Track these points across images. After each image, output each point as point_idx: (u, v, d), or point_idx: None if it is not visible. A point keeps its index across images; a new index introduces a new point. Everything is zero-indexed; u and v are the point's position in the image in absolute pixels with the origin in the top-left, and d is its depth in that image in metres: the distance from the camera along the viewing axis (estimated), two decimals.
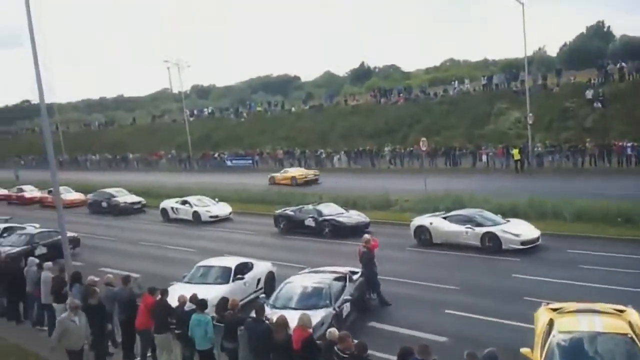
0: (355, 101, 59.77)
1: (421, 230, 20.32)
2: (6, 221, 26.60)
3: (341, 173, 43.05)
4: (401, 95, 55.92)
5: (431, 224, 20.16)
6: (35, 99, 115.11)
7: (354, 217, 23.63)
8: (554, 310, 9.43)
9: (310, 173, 40.76)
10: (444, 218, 20.24)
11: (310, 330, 9.17)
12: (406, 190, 28.77)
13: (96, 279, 12.93)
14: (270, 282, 15.72)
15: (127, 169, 62.30)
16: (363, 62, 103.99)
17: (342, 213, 23.89)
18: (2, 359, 11.79)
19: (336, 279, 13.28)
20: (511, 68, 55.07)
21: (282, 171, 41.79)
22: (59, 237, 17.52)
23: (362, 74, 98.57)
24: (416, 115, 50.57)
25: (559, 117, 41.42)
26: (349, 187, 31.68)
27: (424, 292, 15.19)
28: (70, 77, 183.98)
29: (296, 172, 40.97)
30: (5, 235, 23.10)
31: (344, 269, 14.25)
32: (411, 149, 43.09)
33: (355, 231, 21.72)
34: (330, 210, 24.10)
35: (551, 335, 8.37)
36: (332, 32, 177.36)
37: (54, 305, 13.15)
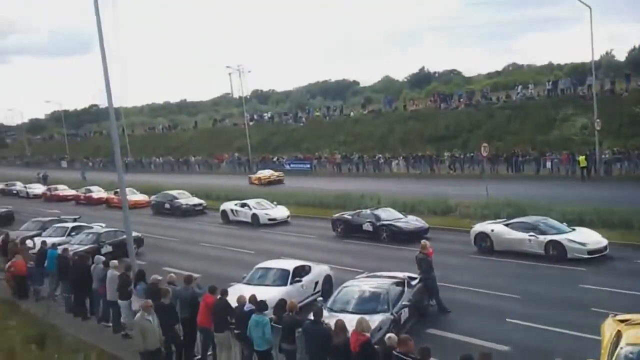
0: (414, 106, 59.24)
1: (482, 237, 19.89)
2: (74, 220, 27.62)
3: (399, 178, 42.74)
4: (462, 100, 55.06)
5: (492, 230, 19.69)
6: (102, 103, 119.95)
7: (412, 222, 23.38)
8: (622, 321, 9.03)
9: (274, 175, 47.49)
10: (506, 225, 19.73)
11: (368, 334, 9.11)
12: (466, 196, 28.23)
13: (159, 278, 13.30)
14: (328, 286, 15.72)
15: (189, 171, 63.77)
16: (423, 67, 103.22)
17: (400, 218, 23.69)
18: (68, 354, 12.19)
19: (394, 284, 13.17)
20: (577, 73, 53.29)
21: (256, 173, 48.67)
22: (124, 236, 18.14)
23: (421, 79, 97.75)
24: (477, 120, 49.67)
25: (628, 123, 39.76)
26: (407, 192, 31.37)
27: (484, 300, 14.86)
28: (135, 82, 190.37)
29: (262, 174, 47.73)
30: (73, 233, 23.98)
31: (403, 274, 14.11)
32: (472, 154, 42.33)
33: (413, 236, 21.47)
34: (388, 215, 23.93)
35: (619, 348, 8.02)
36: (390, 36, 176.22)
37: (119, 302, 13.60)
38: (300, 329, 9.93)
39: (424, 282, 13.96)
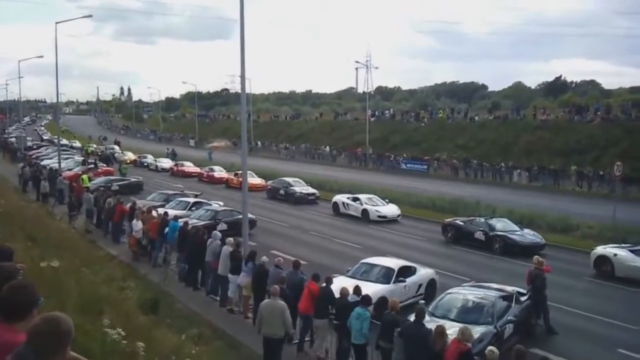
0: (545, 115, 56.30)
1: (602, 261, 18.58)
2: (196, 196, 29.18)
3: (520, 189, 40.89)
4: (599, 113, 51.52)
5: (615, 255, 18.34)
6: (233, 88, 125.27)
7: (528, 236, 22.32)
8: None
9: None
10: (631, 251, 18.30)
11: (469, 345, 8.85)
12: (590, 216, 26.50)
13: (266, 259, 13.74)
14: (431, 290, 15.45)
15: (308, 160, 64.87)
16: (560, 76, 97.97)
17: (516, 230, 22.70)
18: (179, 320, 12.82)
19: (502, 297, 12.67)
20: None
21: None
22: (239, 216, 18.89)
23: (556, 88, 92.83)
24: (613, 136, 46.22)
25: None
26: (526, 204, 29.90)
27: (597, 327, 13.94)
28: (265, 69, 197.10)
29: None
30: (193, 208, 25.32)
31: (511, 288, 13.53)
32: (602, 172, 39.58)
33: (527, 251, 20.44)
34: (503, 225, 23.02)
35: None
36: (526, 42, 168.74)
37: (230, 276, 14.22)
38: (399, 329, 9.83)
39: (533, 299, 13.32)
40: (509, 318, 12.01)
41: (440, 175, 49.13)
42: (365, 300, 10.63)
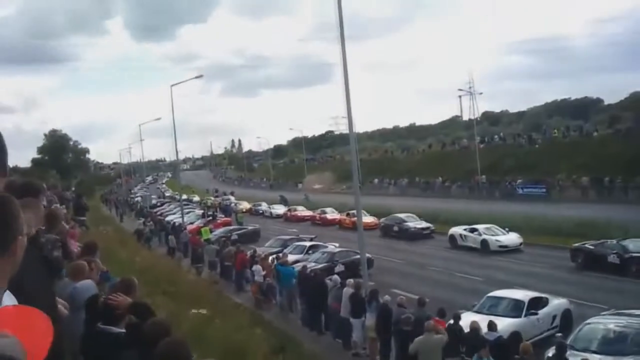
0: None
1: None
2: (311, 240, 29.65)
3: None
4: None
5: None
6: (337, 129, 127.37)
7: None
8: None
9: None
10: None
11: None
12: None
13: (389, 299, 13.59)
14: (567, 321, 14.53)
15: (420, 194, 64.00)
16: None
17: None
18: None
19: None
20: None
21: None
22: (356, 256, 18.92)
23: None
24: None
25: None
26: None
27: None
28: (367, 108, 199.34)
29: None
30: (310, 252, 25.72)
31: None
32: None
33: None
34: (638, 246, 21.36)
35: None
36: (634, 52, 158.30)
37: (352, 320, 14.18)
38: None
39: None
40: None
41: (562, 198, 46.55)
42: (515, 336, 10.06)
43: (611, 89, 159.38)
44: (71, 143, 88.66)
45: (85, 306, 4.66)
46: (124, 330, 4.19)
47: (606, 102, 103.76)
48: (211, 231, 34.30)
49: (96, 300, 4.64)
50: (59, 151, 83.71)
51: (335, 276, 17.07)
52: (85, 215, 17.23)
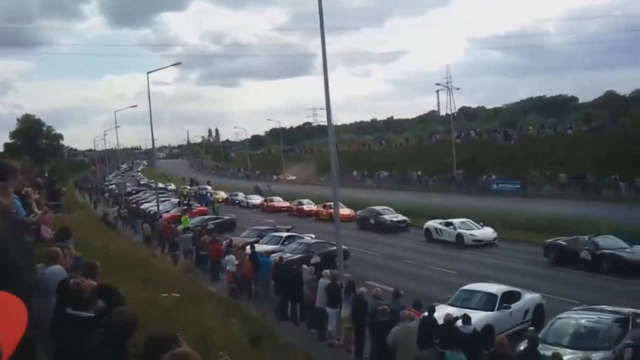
0: None
1: None
2: (288, 230, 29.58)
3: (623, 203, 38.38)
4: None
5: None
6: (315, 121, 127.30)
7: (638, 253, 20.90)
8: None
9: None
10: None
11: None
12: None
13: (364, 290, 13.61)
14: (539, 315, 14.72)
15: (394, 187, 64.19)
16: None
17: (625, 248, 21.36)
18: (283, 355, 12.86)
19: (617, 320, 11.87)
20: None
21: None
22: (332, 248, 18.92)
23: None
24: None
25: None
26: (634, 220, 28.02)
27: None
28: (344, 102, 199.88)
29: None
30: (286, 243, 25.65)
31: (627, 310, 12.63)
32: None
33: (638, 269, 19.22)
34: (609, 243, 21.75)
35: None
36: (611, 51, 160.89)
37: (328, 310, 14.19)
38: None
39: None
40: (627, 342, 11.17)
41: (535, 194, 47.13)
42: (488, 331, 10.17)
43: (585, 87, 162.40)
44: (45, 128, 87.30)
45: (57, 290, 4.57)
46: (92, 314, 4.14)
47: (580, 100, 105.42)
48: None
49: (67, 284, 4.57)
50: (32, 136, 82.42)
51: (311, 267, 17.03)
52: (60, 199, 16.96)
